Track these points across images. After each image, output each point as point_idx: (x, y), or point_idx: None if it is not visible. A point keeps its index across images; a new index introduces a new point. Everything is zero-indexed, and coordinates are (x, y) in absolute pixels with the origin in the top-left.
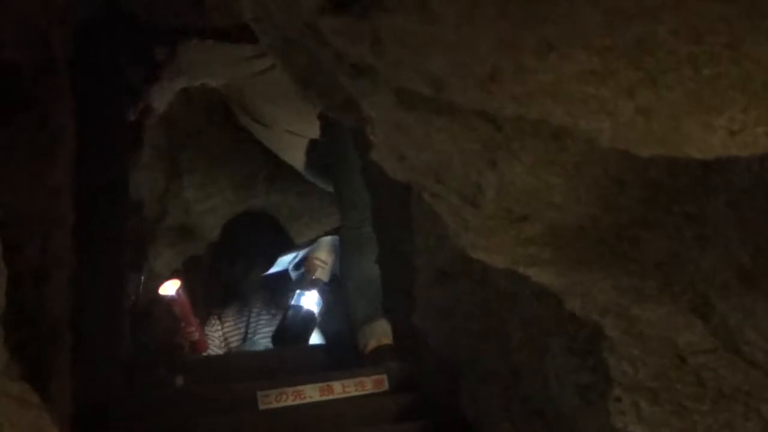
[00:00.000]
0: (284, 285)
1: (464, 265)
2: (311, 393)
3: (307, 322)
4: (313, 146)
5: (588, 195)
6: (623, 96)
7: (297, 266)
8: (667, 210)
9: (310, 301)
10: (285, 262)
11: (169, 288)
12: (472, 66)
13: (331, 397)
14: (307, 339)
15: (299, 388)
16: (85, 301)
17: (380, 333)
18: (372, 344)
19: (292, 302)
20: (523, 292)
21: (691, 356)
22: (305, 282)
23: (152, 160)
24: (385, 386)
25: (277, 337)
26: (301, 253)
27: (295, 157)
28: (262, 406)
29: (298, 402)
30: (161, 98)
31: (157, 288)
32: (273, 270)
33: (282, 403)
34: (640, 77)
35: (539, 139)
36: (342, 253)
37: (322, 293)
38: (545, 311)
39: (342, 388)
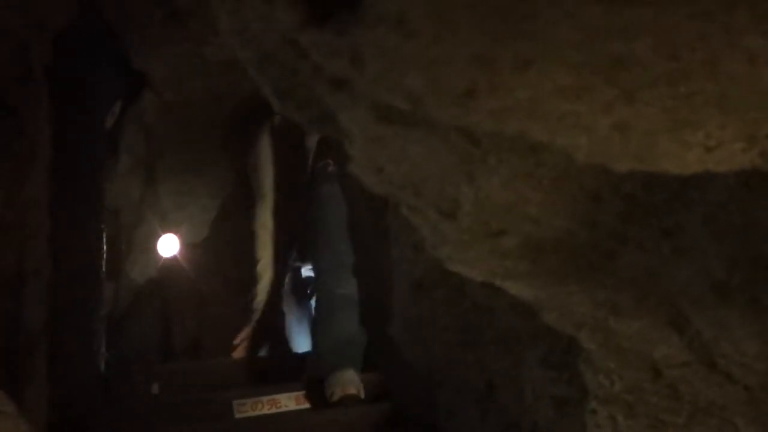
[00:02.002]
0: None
1: (441, 277)
2: (287, 402)
3: None
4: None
5: (564, 209)
6: (600, 112)
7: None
8: (643, 224)
9: None
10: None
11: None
12: (449, 82)
13: (306, 406)
14: None
15: (275, 397)
16: (61, 310)
17: (346, 382)
18: (338, 393)
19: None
20: (499, 305)
21: (667, 369)
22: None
23: (129, 168)
24: (361, 396)
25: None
26: None
27: None
28: (237, 415)
29: (273, 411)
30: None
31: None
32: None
33: (258, 412)
34: (617, 93)
35: (516, 154)
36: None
37: None
38: (522, 324)
39: None
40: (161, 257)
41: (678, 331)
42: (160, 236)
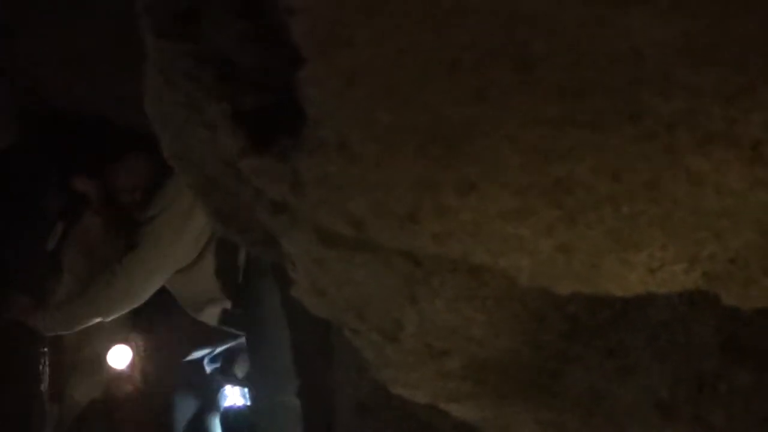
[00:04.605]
0: (201, 376)
1: (385, 399)
2: None
3: (243, 419)
4: (226, 314)
5: (508, 330)
6: (543, 234)
7: (213, 359)
8: (587, 344)
9: (235, 397)
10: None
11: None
12: (392, 206)
13: None
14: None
15: None
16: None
17: None
18: None
19: (223, 404)
20: (443, 426)
21: None
22: (224, 375)
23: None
24: None
25: None
26: (218, 349)
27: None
28: None
29: None
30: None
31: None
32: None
33: None
34: (560, 215)
35: (459, 275)
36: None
37: (243, 384)
38: None
39: None
40: (107, 378)
41: None
42: (104, 356)
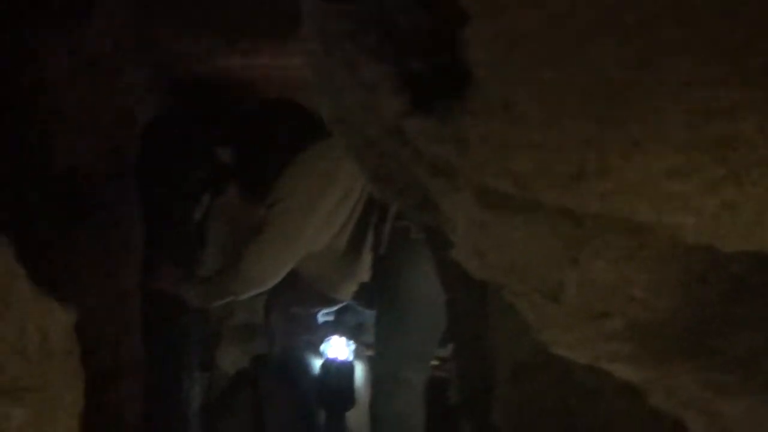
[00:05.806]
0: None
1: (544, 360)
2: None
3: (344, 374)
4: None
5: (669, 290)
6: (707, 192)
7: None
8: (749, 304)
9: (340, 348)
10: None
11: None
12: (557, 165)
13: None
14: (351, 390)
15: None
16: (155, 403)
17: None
18: None
19: (326, 357)
20: (603, 387)
21: None
22: (335, 326)
23: (217, 260)
24: None
25: (323, 400)
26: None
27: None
28: None
29: None
30: None
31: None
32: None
33: None
34: (724, 173)
35: (620, 236)
36: (373, 391)
37: (351, 334)
38: (627, 406)
39: None
40: (251, 350)
41: None
42: (250, 327)
